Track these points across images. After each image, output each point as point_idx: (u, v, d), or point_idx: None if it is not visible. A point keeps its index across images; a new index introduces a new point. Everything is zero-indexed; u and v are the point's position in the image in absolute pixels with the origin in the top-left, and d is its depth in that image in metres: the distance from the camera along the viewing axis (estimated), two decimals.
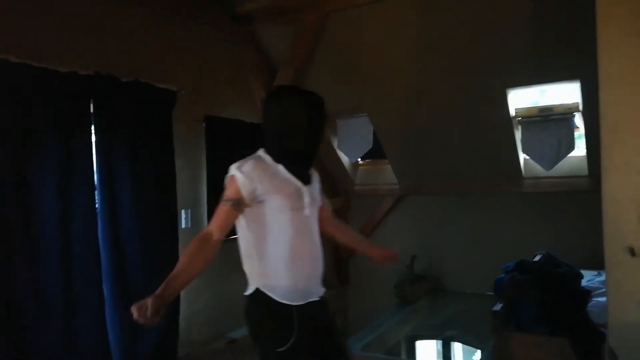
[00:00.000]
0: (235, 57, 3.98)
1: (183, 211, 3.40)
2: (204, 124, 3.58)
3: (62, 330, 2.59)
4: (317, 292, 1.79)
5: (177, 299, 3.24)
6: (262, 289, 1.71)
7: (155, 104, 3.16)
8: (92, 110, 2.80)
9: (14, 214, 2.42)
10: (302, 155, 1.79)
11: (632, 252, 1.74)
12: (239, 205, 1.67)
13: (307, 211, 1.75)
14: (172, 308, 3.20)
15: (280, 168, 1.74)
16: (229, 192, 1.68)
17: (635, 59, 1.72)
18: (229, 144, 3.76)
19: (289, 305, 1.68)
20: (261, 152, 1.78)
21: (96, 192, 2.81)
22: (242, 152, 3.84)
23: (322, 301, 1.80)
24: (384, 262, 2.11)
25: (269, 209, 1.69)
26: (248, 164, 1.70)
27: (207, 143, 3.59)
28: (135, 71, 3.04)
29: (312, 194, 1.79)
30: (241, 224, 1.74)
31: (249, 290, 1.77)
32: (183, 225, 3.41)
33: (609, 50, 1.74)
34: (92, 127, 2.81)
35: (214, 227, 1.69)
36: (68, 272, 2.62)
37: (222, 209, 1.69)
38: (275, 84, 4.07)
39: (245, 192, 1.65)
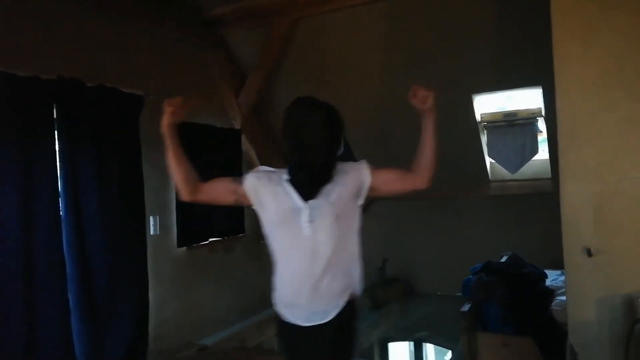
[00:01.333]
0: (204, 62, 3.95)
1: (151, 217, 3.35)
2: None
3: (25, 341, 2.50)
4: (316, 315, 1.62)
5: (146, 306, 3.18)
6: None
7: (122, 109, 3.10)
8: (55, 116, 2.73)
9: None
10: (313, 171, 1.64)
11: (589, 252, 1.81)
12: (239, 183, 1.66)
13: (305, 230, 1.60)
14: (140, 316, 3.14)
15: (285, 182, 1.64)
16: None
17: (588, 68, 1.80)
18: (198, 149, 3.71)
19: (282, 321, 1.67)
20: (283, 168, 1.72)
21: (60, 199, 2.74)
22: (212, 157, 3.87)
23: (319, 327, 1.62)
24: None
25: (264, 220, 1.67)
26: (262, 170, 1.72)
27: None
28: (100, 76, 2.98)
29: (318, 209, 1.61)
30: None
31: None
32: (152, 232, 3.36)
33: (564, 59, 1.82)
34: (56, 133, 2.74)
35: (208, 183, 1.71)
36: (31, 282, 2.54)
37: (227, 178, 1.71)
38: (244, 88, 4.07)
39: (247, 191, 1.65)
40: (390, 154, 4.24)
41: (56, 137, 2.74)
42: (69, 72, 2.78)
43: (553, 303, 2.92)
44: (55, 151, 2.73)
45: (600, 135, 1.77)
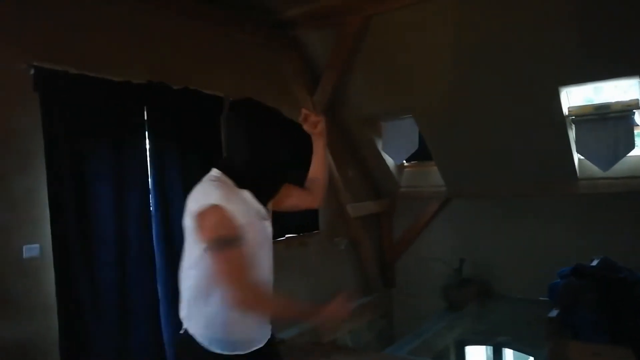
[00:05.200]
0: (278, 63, 4.05)
1: None
2: None
3: (118, 329, 2.71)
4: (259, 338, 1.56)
5: None
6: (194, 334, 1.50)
7: (204, 110, 3.25)
8: (145, 118, 2.92)
9: (73, 218, 2.55)
10: (271, 179, 1.59)
11: None
12: (241, 242, 1.40)
13: (269, 246, 1.56)
14: None
15: (246, 194, 1.49)
16: (226, 230, 1.36)
17: None
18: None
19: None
20: (217, 174, 1.49)
21: (150, 195, 2.92)
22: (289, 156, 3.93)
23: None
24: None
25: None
26: (224, 190, 1.42)
27: None
28: (184, 79, 3.14)
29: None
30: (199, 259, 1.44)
31: None
32: None
33: None
34: (146, 134, 2.93)
35: (246, 277, 1.41)
36: (124, 273, 2.74)
37: (234, 254, 1.37)
38: (320, 86, 4.11)
39: (239, 222, 1.40)
40: (467, 145, 4.11)
41: (146, 137, 2.93)
42: (157, 77, 2.97)
43: None
44: (146, 151, 2.92)
45: None
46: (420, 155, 4.63)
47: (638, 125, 3.65)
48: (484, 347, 4.54)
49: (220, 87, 3.39)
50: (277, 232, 3.79)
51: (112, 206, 2.70)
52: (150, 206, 2.91)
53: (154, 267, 2.90)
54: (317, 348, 3.55)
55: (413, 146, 4.53)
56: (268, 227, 1.56)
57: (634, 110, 3.56)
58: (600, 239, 3.87)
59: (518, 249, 4.36)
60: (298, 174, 1.83)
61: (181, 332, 1.54)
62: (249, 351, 1.50)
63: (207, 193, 1.42)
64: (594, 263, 3.11)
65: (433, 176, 4.63)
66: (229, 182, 1.47)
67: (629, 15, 2.85)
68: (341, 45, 3.85)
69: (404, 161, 4.91)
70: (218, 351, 1.45)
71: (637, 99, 3.50)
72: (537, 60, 3.35)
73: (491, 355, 4.41)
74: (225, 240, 1.36)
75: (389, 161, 4.79)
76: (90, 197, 2.63)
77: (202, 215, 1.38)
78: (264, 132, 1.51)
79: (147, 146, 2.93)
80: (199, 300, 1.47)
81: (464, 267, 4.44)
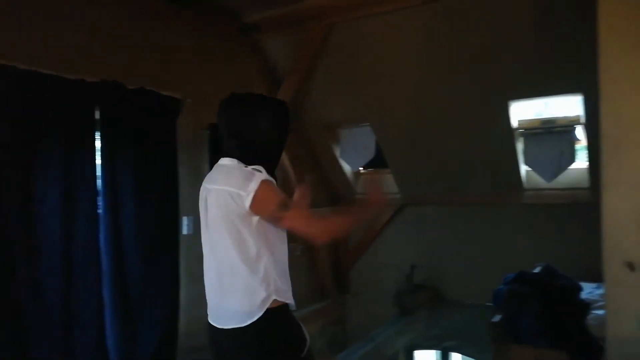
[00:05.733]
0: (240, 67, 4.02)
1: (185, 218, 3.42)
2: (208, 132, 3.61)
3: (61, 334, 2.60)
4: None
5: (177, 304, 3.25)
6: (281, 299, 1.64)
7: (160, 112, 3.18)
8: (97, 117, 2.83)
9: (17, 219, 2.44)
10: (275, 164, 1.77)
11: (631, 266, 1.75)
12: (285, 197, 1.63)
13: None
14: (171, 313, 3.20)
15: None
16: (283, 195, 1.60)
17: (637, 73, 1.74)
18: None
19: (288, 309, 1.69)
20: (228, 162, 1.68)
21: (99, 198, 2.83)
22: None
23: None
24: None
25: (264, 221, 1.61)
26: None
27: (210, 151, 3.62)
28: (140, 79, 3.07)
29: None
30: (240, 236, 1.60)
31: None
32: (184, 232, 3.43)
33: (610, 65, 1.76)
34: (97, 134, 2.84)
35: (314, 218, 1.66)
36: (69, 277, 2.64)
37: (297, 209, 1.66)
38: (280, 92, 4.12)
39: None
40: (421, 154, 4.23)
41: (97, 138, 2.84)
42: (112, 75, 2.88)
43: (589, 317, 2.82)
44: (96, 151, 2.82)
45: None
46: (377, 162, 4.72)
47: (579, 139, 3.86)
48: (433, 351, 4.64)
49: (180, 88, 3.33)
50: None
51: (58, 208, 2.60)
52: (98, 209, 2.82)
53: (101, 272, 2.81)
54: None
55: (369, 154, 4.60)
56: None
57: (576, 126, 3.77)
58: (545, 247, 4.05)
59: (468, 255, 4.50)
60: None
61: (212, 323, 1.73)
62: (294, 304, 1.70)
63: (247, 176, 1.58)
64: (537, 270, 3.25)
65: (388, 183, 4.72)
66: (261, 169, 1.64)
67: (574, 36, 3.02)
68: (304, 52, 3.87)
69: (361, 168, 4.98)
70: (280, 300, 1.62)
71: (580, 115, 3.70)
72: (489, 75, 3.49)
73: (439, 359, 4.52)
74: (286, 202, 1.59)
75: (346, 168, 4.85)
76: (35, 198, 2.52)
77: (260, 192, 1.55)
78: (261, 115, 1.69)
79: (99, 146, 2.83)
80: (245, 272, 1.59)
81: (416, 273, 4.54)
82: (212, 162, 3.55)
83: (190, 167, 3.47)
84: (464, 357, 4.50)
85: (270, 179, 1.61)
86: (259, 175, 1.57)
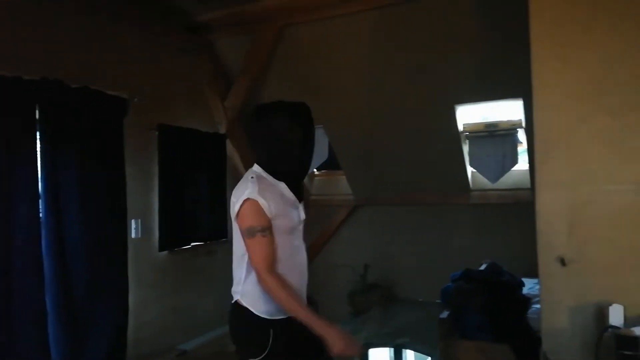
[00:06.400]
0: (190, 66, 3.96)
1: (133, 221, 3.33)
2: (157, 133, 3.53)
3: (1, 343, 2.47)
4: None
5: (126, 310, 3.16)
6: (244, 303, 1.75)
7: (106, 112, 3.09)
8: (37, 117, 2.71)
9: None
10: (299, 171, 1.81)
11: (562, 262, 1.86)
12: (271, 231, 1.68)
13: (301, 228, 1.84)
14: (119, 320, 3.11)
15: (283, 186, 1.76)
16: (257, 220, 1.64)
17: (564, 82, 1.86)
18: (183, 153, 3.73)
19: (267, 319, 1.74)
20: (257, 169, 1.77)
21: (40, 201, 2.71)
22: (197, 161, 3.86)
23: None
24: None
25: (275, 228, 1.70)
26: (260, 185, 1.67)
27: (160, 152, 3.54)
28: (85, 78, 2.97)
29: (303, 210, 1.85)
30: (237, 235, 1.76)
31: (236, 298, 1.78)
32: (133, 235, 3.34)
33: (541, 73, 1.87)
34: (37, 135, 2.72)
35: (268, 263, 1.66)
36: (8, 284, 2.51)
37: (261, 240, 1.65)
38: (231, 93, 4.09)
39: (269, 215, 1.66)
40: (372, 156, 4.31)
41: (38, 139, 2.72)
42: (54, 74, 2.77)
43: (529, 311, 2.97)
44: (37, 153, 2.70)
45: (575, 147, 1.83)
46: (331, 164, 4.77)
47: (522, 142, 4.05)
48: (386, 349, 4.73)
49: (126, 87, 3.24)
50: (183, 240, 3.73)
51: None
52: (40, 213, 2.70)
53: (43, 279, 2.69)
54: (222, 358, 3.49)
55: (322, 156, 4.65)
56: (301, 212, 1.83)
57: (518, 129, 3.96)
58: (490, 245, 4.22)
59: (419, 254, 4.62)
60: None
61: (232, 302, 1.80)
62: (285, 317, 1.73)
63: (243, 188, 1.67)
64: (483, 267, 3.39)
65: (342, 185, 4.78)
66: (267, 176, 1.74)
67: (512, 44, 3.16)
68: (255, 53, 3.86)
69: (315, 170, 5.02)
70: (263, 316, 1.72)
71: (521, 119, 3.89)
72: (436, 80, 3.61)
73: (392, 357, 4.61)
74: (255, 229, 1.64)
75: None
76: None
77: (240, 207, 1.66)
78: (274, 122, 1.71)
79: (38, 148, 2.72)
80: (235, 264, 1.80)
81: (369, 273, 4.62)
82: (162, 164, 3.53)
83: (139, 169, 3.39)
84: (416, 353, 4.62)
85: (255, 198, 1.63)
86: (247, 192, 1.65)
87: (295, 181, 1.82)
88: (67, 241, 2.81)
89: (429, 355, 4.16)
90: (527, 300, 3.00)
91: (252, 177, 1.70)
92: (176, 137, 3.69)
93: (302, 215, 1.84)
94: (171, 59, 3.76)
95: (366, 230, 4.90)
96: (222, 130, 4.18)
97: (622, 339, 1.51)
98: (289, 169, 1.76)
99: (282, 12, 3.51)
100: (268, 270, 1.66)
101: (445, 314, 2.89)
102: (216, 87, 4.10)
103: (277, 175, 1.75)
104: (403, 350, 4.52)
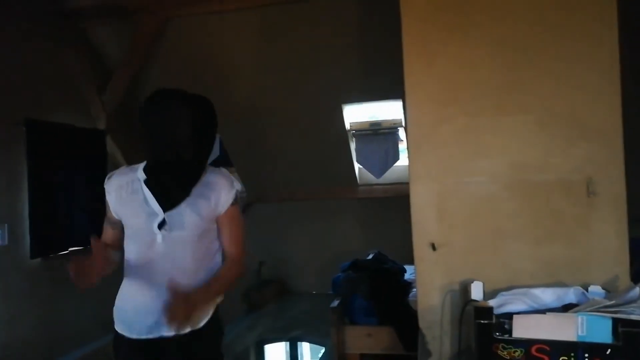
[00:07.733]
0: (63, 56, 3.64)
1: None
2: (24, 128, 3.20)
3: None
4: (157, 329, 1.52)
5: None
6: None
7: None
8: None
9: None
10: (178, 168, 1.52)
11: (433, 247, 2.07)
12: (112, 222, 1.63)
13: (158, 244, 1.50)
14: None
15: (144, 186, 1.52)
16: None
17: (430, 86, 2.07)
18: (56, 151, 3.42)
19: (120, 335, 1.58)
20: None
21: None
22: (72, 159, 3.57)
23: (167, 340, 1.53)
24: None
25: (126, 229, 1.58)
26: (113, 176, 1.61)
27: (28, 149, 3.21)
28: None
29: (176, 220, 1.50)
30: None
31: None
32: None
33: (411, 77, 2.08)
34: None
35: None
36: None
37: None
38: (110, 86, 3.84)
39: (110, 206, 1.60)
40: (264, 153, 4.35)
41: None
42: None
43: (410, 295, 3.22)
44: None
45: (440, 144, 2.05)
46: (223, 161, 4.70)
47: (402, 140, 4.37)
48: (282, 343, 4.81)
49: None
50: (58, 245, 3.43)
51: None
52: None
53: None
54: None
55: (214, 153, 4.56)
56: (158, 243, 1.52)
57: (399, 127, 4.26)
58: (377, 235, 4.49)
59: (311, 248, 4.77)
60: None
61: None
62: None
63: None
64: (370, 257, 3.60)
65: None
66: (138, 171, 1.57)
67: (391, 48, 3.40)
68: (136, 45, 3.68)
69: None
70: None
71: (401, 119, 4.19)
72: (323, 79, 3.75)
73: (288, 351, 4.70)
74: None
75: None
76: None
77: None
78: (157, 112, 1.58)
79: None
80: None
81: (263, 269, 4.65)
82: (32, 162, 3.21)
83: (2, 170, 3.05)
84: (310, 344, 4.75)
85: (105, 186, 1.61)
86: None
87: (171, 179, 1.58)
88: None
89: (322, 345, 4.32)
90: (408, 285, 3.25)
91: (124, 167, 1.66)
92: (47, 134, 3.38)
93: (156, 230, 1.60)
94: (41, 47, 3.42)
95: (259, 227, 4.92)
96: (102, 125, 3.91)
97: (479, 310, 1.72)
98: (166, 165, 1.56)
99: (161, 4, 3.38)
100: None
101: (335, 303, 3.03)
102: (93, 79, 3.82)
103: (151, 170, 1.58)
104: (298, 343, 4.64)
